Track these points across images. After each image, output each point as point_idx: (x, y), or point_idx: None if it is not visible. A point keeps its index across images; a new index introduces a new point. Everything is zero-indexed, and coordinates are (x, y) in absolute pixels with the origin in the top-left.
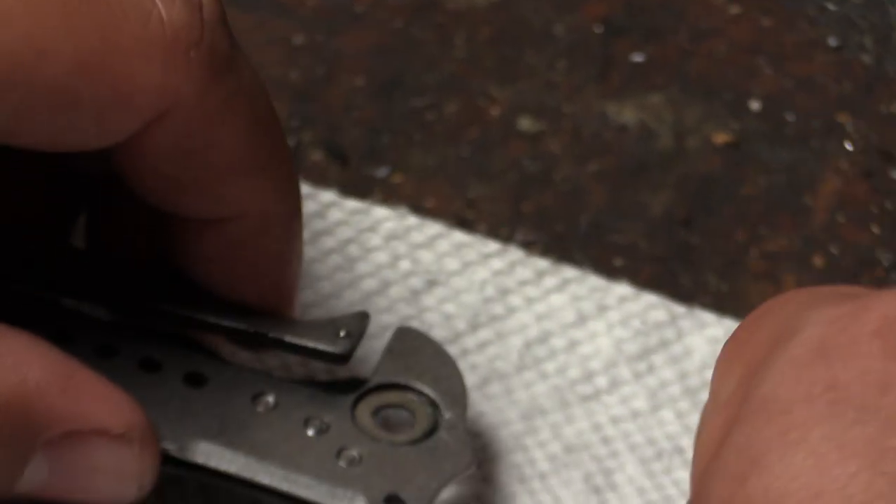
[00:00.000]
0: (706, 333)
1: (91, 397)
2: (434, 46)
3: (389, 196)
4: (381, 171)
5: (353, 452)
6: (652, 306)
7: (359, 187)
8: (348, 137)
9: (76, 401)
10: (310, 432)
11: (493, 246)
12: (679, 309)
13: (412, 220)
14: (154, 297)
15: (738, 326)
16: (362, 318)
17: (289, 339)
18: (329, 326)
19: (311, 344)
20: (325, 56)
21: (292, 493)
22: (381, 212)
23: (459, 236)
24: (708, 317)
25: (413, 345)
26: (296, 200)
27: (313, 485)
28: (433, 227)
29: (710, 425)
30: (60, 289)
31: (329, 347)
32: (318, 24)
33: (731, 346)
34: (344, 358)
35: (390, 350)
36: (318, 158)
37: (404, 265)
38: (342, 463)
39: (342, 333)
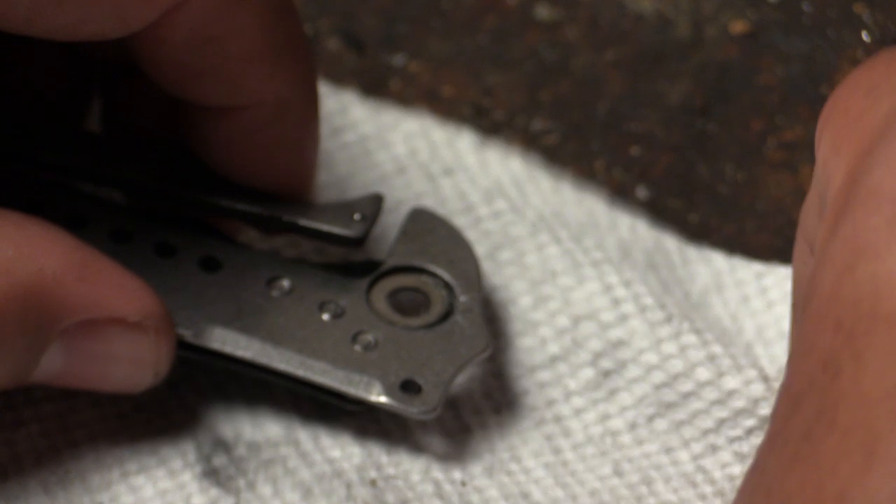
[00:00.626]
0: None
1: (108, 286)
2: None
3: (406, 84)
4: (398, 60)
5: (369, 337)
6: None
7: (375, 75)
8: (365, 25)
9: (93, 289)
10: (325, 317)
11: (512, 148)
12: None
13: (431, 119)
14: (169, 181)
15: (842, 88)
16: (376, 200)
17: (303, 222)
18: (343, 209)
19: (325, 227)
20: None
21: (308, 379)
22: (400, 111)
23: (476, 136)
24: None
25: (427, 227)
26: (312, 87)
27: (329, 370)
28: (453, 127)
29: (815, 216)
30: (75, 173)
31: (344, 231)
32: None
33: (839, 121)
34: (359, 241)
35: (404, 232)
36: (335, 46)
37: (423, 157)
38: (358, 348)
39: (357, 216)
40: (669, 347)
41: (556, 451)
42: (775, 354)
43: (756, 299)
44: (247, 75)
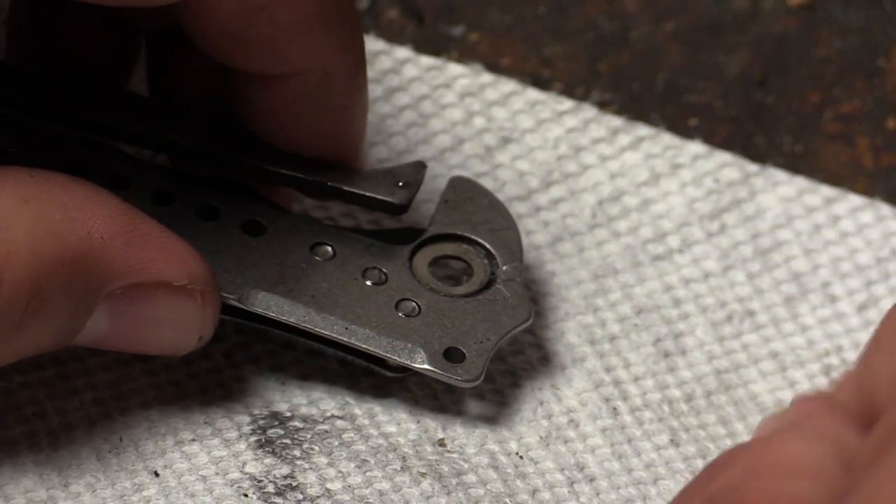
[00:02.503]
0: (779, 192)
1: (154, 249)
2: None
3: (465, 55)
4: (457, 30)
5: (412, 304)
6: (725, 164)
7: (434, 46)
8: None
9: (140, 253)
10: (368, 283)
11: (567, 103)
12: (752, 167)
13: (487, 77)
14: (213, 144)
15: None
16: (419, 167)
17: (347, 187)
18: (388, 176)
19: (369, 193)
20: None
21: (352, 345)
22: (455, 68)
23: (533, 94)
24: (781, 175)
25: (468, 195)
26: (360, 55)
27: (373, 336)
28: (508, 85)
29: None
30: (118, 133)
31: (387, 197)
32: None
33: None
34: (402, 208)
35: (445, 200)
36: (394, 16)
37: (478, 122)
38: (401, 314)
39: (400, 183)
40: (732, 344)
41: (615, 413)
42: (852, 290)
43: (828, 229)
44: (294, 44)
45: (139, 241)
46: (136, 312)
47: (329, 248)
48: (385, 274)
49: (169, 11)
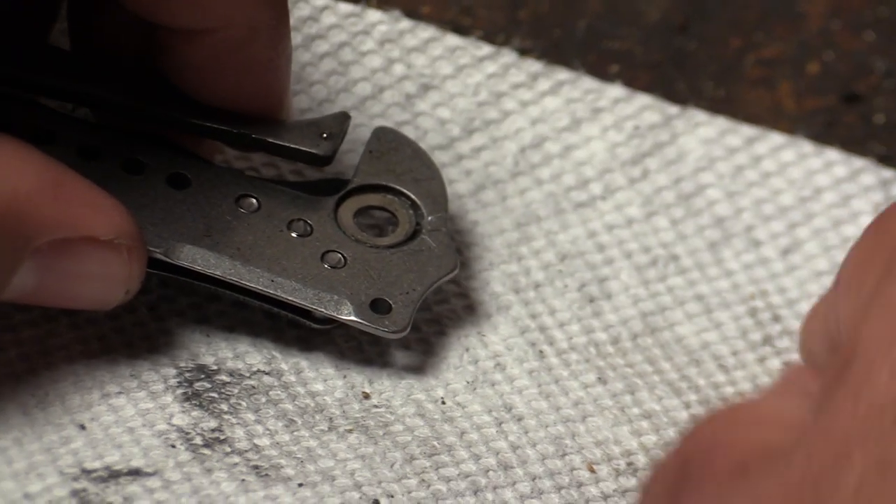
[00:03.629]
0: (700, 133)
1: (81, 204)
2: None
3: (385, 4)
4: None
5: (337, 255)
6: (646, 107)
7: None
8: None
9: (66, 208)
10: (293, 235)
11: (486, 49)
12: (672, 109)
13: (406, 23)
14: (138, 98)
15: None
16: (343, 119)
17: (271, 139)
18: (311, 128)
19: (293, 144)
20: None
21: (278, 297)
22: (374, 15)
23: (453, 39)
24: (701, 116)
25: (392, 145)
26: (283, 8)
27: (299, 288)
28: (427, 31)
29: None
30: (42, 88)
31: (311, 148)
32: None
33: (855, 254)
34: (326, 159)
35: (369, 151)
36: None
37: (398, 69)
38: (326, 266)
39: (324, 135)
40: (657, 287)
41: (541, 356)
42: (776, 234)
43: (750, 170)
44: None
45: (65, 197)
46: (62, 267)
47: (254, 201)
48: (310, 225)
49: None
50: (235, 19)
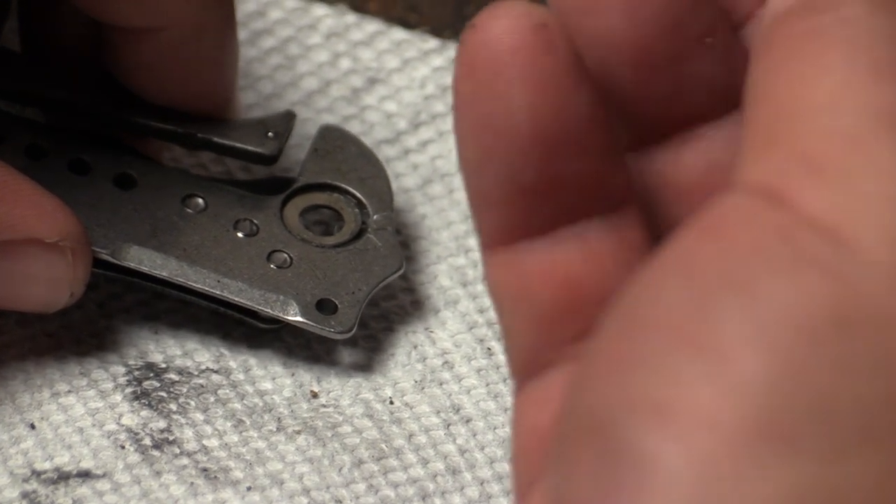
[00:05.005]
0: None
1: (25, 206)
2: None
3: (332, 0)
4: None
5: (284, 255)
6: None
7: None
8: None
9: (9, 210)
10: (240, 235)
11: (432, 42)
12: None
13: (351, 17)
14: (85, 98)
15: None
16: (289, 117)
17: (217, 139)
18: (257, 127)
19: (238, 144)
20: None
21: (224, 297)
22: (320, 9)
23: (399, 33)
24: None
25: (337, 143)
26: (229, 6)
27: (245, 289)
28: (373, 24)
29: None
30: None
31: (257, 148)
32: None
33: None
34: (272, 158)
35: (315, 149)
36: None
37: (344, 63)
38: (273, 266)
39: (270, 134)
40: None
41: (489, 353)
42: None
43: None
44: None
45: (10, 198)
46: (6, 269)
47: (200, 201)
48: (256, 225)
49: None
50: (182, 18)
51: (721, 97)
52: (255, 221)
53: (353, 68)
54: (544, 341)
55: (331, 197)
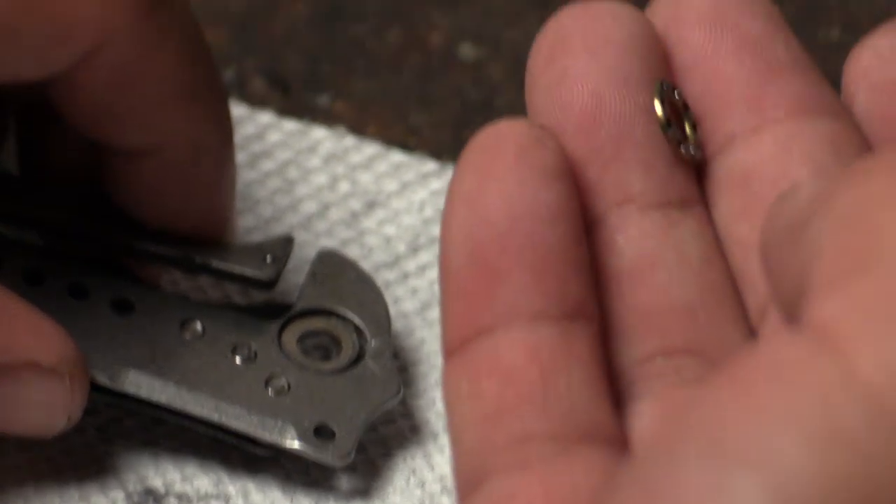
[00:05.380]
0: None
1: (22, 330)
2: None
3: (331, 124)
4: (323, 99)
5: (282, 381)
6: None
7: (300, 115)
8: (289, 65)
9: (7, 334)
10: (238, 360)
11: (431, 165)
12: None
13: (350, 140)
14: (83, 222)
15: None
16: (287, 242)
17: (215, 264)
18: (256, 251)
19: (237, 269)
20: None
21: (223, 424)
22: (319, 132)
23: (398, 156)
24: None
25: (336, 269)
26: (227, 130)
27: (243, 415)
28: (372, 147)
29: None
30: None
31: (255, 272)
32: None
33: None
34: (270, 283)
35: (313, 274)
36: (260, 87)
37: (343, 186)
38: (271, 392)
39: (268, 258)
40: None
41: None
42: None
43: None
44: (162, 118)
45: (7, 322)
46: (3, 393)
47: (199, 326)
48: (254, 351)
49: (37, 86)
50: (179, 140)
51: None
52: (252, 347)
53: (352, 191)
54: (488, 443)
55: (329, 322)
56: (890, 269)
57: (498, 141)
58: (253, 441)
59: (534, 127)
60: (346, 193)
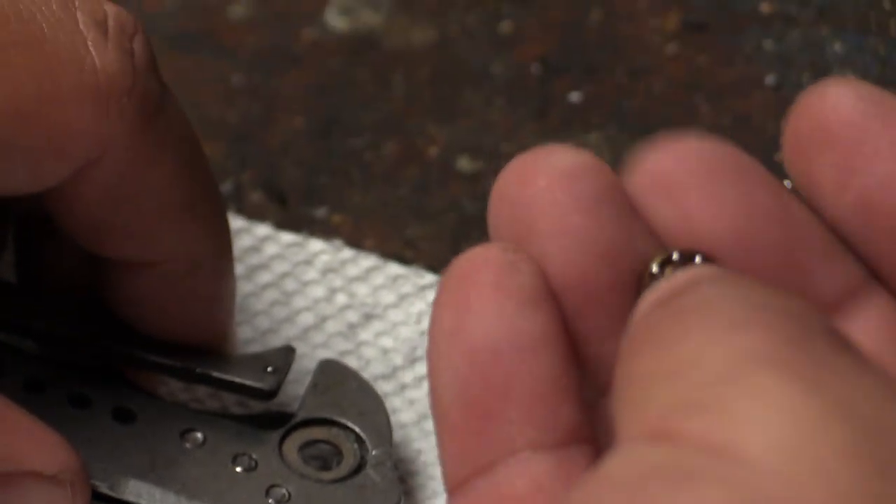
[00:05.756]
0: None
1: (24, 439)
2: (372, 86)
3: (328, 236)
4: (320, 212)
5: (282, 490)
6: None
7: (298, 228)
8: (287, 178)
9: (9, 443)
10: (238, 469)
11: (428, 277)
12: None
13: (347, 252)
14: (83, 331)
15: None
16: (288, 352)
17: (216, 374)
18: (256, 362)
19: (238, 379)
20: (263, 96)
21: None
22: (316, 244)
23: (395, 268)
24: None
25: (337, 379)
26: (225, 241)
27: None
28: (368, 260)
29: None
30: None
31: (256, 383)
32: (257, 64)
33: None
34: (271, 394)
35: (315, 384)
36: (257, 199)
37: (340, 299)
38: (271, 501)
39: (269, 369)
40: None
41: None
42: None
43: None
44: (160, 231)
45: (9, 431)
46: (5, 502)
47: (199, 435)
48: (255, 460)
49: (37, 198)
50: (178, 252)
51: None
52: (253, 456)
53: (350, 304)
54: None
55: (329, 432)
56: None
57: (473, 271)
58: None
59: (507, 251)
60: (344, 305)
